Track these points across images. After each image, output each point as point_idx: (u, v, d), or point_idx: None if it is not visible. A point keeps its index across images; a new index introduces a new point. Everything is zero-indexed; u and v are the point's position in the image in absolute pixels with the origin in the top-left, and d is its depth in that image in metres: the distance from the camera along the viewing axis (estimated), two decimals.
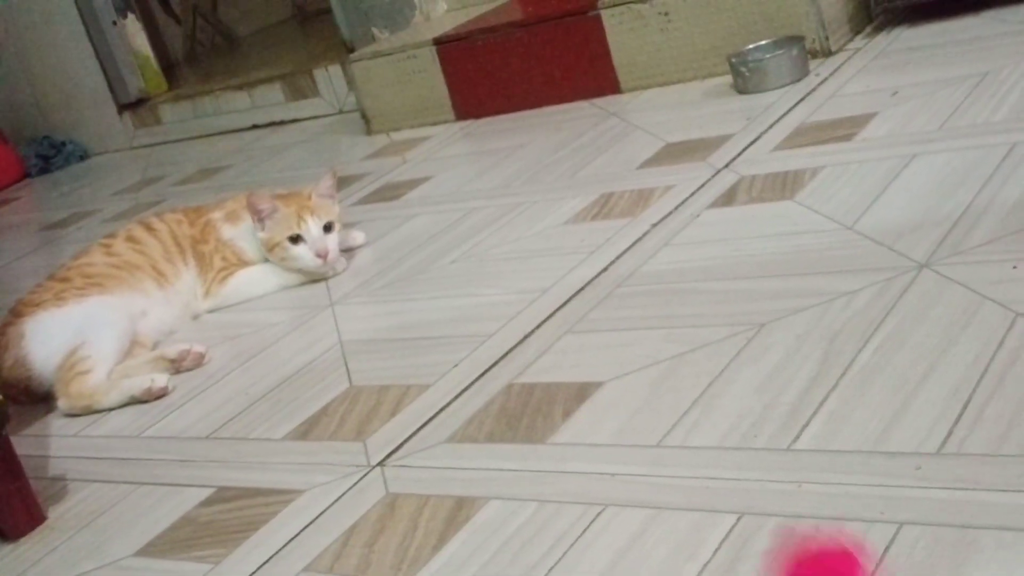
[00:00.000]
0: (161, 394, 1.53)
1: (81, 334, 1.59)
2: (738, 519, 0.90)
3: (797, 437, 0.99)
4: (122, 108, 3.54)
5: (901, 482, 0.89)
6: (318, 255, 1.75)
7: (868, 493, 0.89)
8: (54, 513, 1.29)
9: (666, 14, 2.25)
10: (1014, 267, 1.15)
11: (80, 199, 3.08)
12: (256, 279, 1.83)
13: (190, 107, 3.37)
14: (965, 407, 0.95)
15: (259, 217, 1.78)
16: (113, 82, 3.52)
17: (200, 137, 3.36)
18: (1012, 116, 1.55)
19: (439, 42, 2.55)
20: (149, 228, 1.87)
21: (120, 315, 1.67)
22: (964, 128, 1.57)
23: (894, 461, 0.91)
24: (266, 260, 1.82)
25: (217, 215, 1.88)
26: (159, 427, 1.45)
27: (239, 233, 1.84)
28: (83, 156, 3.63)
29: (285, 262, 1.78)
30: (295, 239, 1.76)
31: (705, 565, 0.86)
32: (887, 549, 0.82)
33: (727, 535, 0.89)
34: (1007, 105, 1.59)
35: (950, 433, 0.92)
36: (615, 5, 2.30)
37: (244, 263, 1.84)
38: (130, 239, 1.84)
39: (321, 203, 1.79)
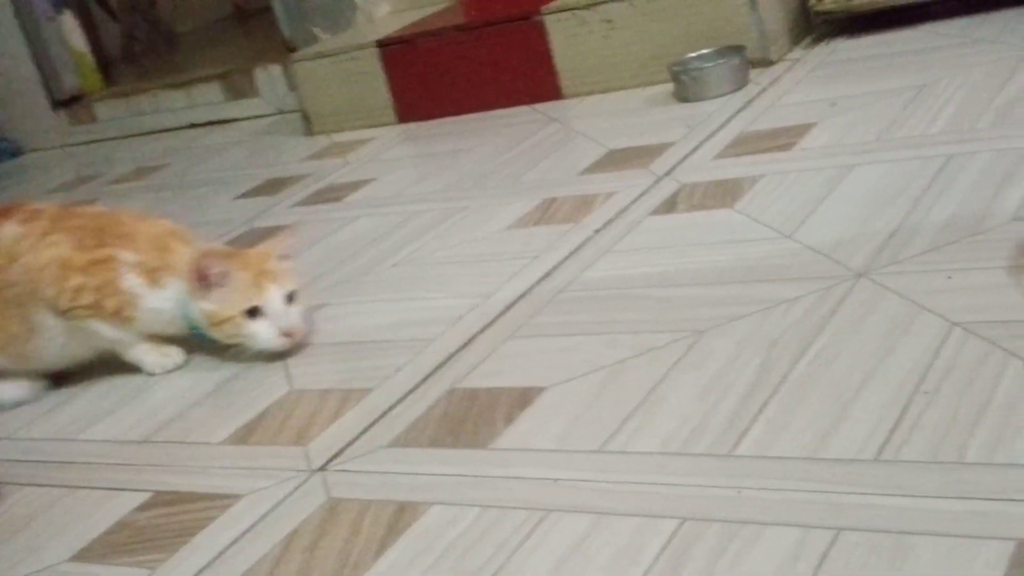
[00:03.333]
0: None
1: None
2: (680, 524, 0.91)
3: (737, 443, 1.00)
4: (57, 105, 3.48)
5: (839, 488, 0.90)
6: (285, 333, 1.44)
7: (807, 499, 0.90)
8: None
9: (609, 21, 2.26)
10: (949, 277, 1.17)
11: (12, 196, 3.02)
12: (124, 343, 1.53)
13: (126, 105, 3.33)
14: (902, 415, 0.96)
15: (206, 283, 1.45)
16: (48, 79, 3.46)
17: (136, 135, 3.32)
18: (948, 129, 1.58)
19: (382, 44, 2.54)
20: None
21: None
22: (901, 140, 1.59)
23: (832, 467, 0.93)
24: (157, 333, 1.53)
25: (127, 257, 1.50)
26: (95, 431, 1.42)
27: (160, 296, 1.49)
28: (15, 153, 3.57)
29: (235, 339, 1.45)
30: (253, 312, 1.45)
31: (648, 570, 0.87)
32: (825, 555, 0.83)
33: (669, 540, 0.90)
34: (943, 118, 1.62)
35: (887, 440, 0.94)
36: (558, 11, 2.31)
37: (129, 324, 1.51)
38: None
39: (282, 267, 1.48)
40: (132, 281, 1.49)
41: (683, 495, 0.95)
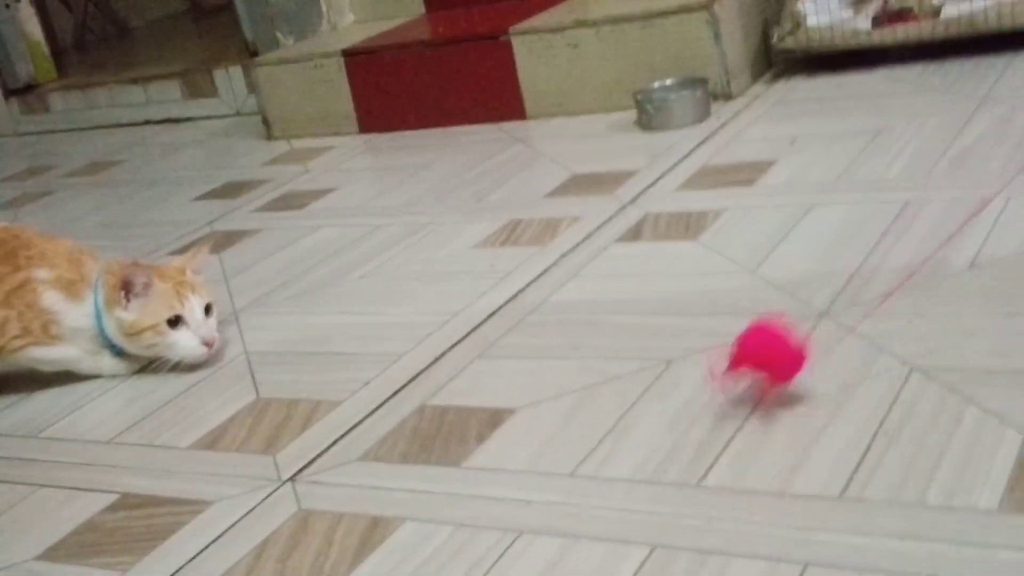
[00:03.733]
0: None
1: None
2: (650, 551, 0.94)
3: (706, 474, 1.03)
4: (9, 93, 3.44)
5: (806, 524, 0.94)
6: (204, 343, 1.48)
7: (774, 534, 0.93)
8: None
9: (575, 46, 2.30)
10: (909, 322, 1.22)
11: None
12: (71, 358, 1.53)
13: (81, 97, 3.30)
14: (865, 455, 1.00)
15: (129, 293, 1.47)
16: (1, 66, 3.42)
17: (90, 129, 3.29)
18: (905, 175, 1.63)
19: (348, 53, 2.55)
20: None
21: None
22: (860, 182, 1.65)
23: (798, 503, 0.96)
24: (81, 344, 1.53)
25: (42, 276, 1.50)
26: (57, 428, 1.42)
27: (80, 312, 1.50)
28: None
29: (155, 350, 1.48)
30: (174, 322, 1.47)
31: None
32: None
33: (640, 567, 0.93)
34: (900, 163, 1.68)
35: (851, 479, 0.98)
36: (525, 33, 2.35)
37: (56, 341, 1.52)
38: None
39: (198, 280, 1.52)
40: (52, 298, 1.50)
41: (653, 523, 0.98)
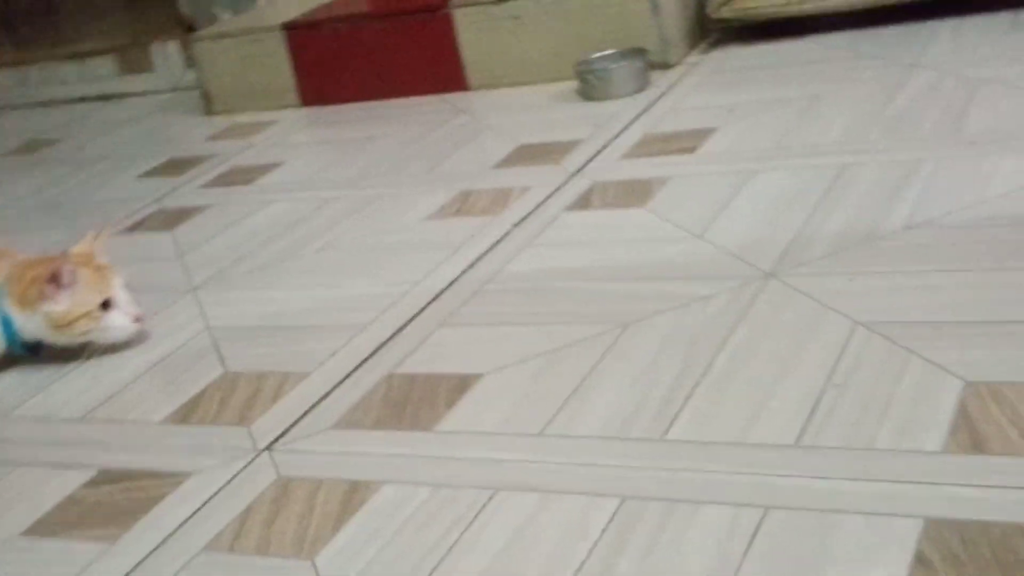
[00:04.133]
0: None
1: None
2: (621, 502, 1.00)
3: (668, 429, 1.09)
4: None
5: (765, 470, 1.00)
6: (136, 319, 1.52)
7: (736, 480, 1.00)
8: None
9: (517, 17, 2.34)
10: (851, 280, 1.29)
11: None
12: None
13: (13, 75, 3.27)
14: (816, 405, 1.07)
15: (58, 287, 1.48)
16: None
17: (23, 107, 3.26)
18: (841, 139, 1.70)
19: (288, 27, 2.57)
20: None
21: None
22: (798, 148, 1.71)
23: (757, 452, 1.03)
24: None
25: None
26: (28, 407, 1.44)
27: None
28: None
29: (88, 335, 1.50)
30: (106, 305, 1.50)
31: (595, 544, 0.95)
32: (756, 529, 0.92)
33: (612, 516, 0.98)
34: (836, 128, 1.75)
35: (805, 428, 1.04)
36: (466, 5, 2.38)
37: None
38: None
39: (107, 262, 1.55)
40: None
41: (622, 476, 1.04)
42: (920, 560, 0.85)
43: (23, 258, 1.57)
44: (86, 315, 1.49)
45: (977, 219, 1.36)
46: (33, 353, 1.55)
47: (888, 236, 1.37)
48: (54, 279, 1.48)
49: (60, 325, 1.49)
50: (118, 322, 1.51)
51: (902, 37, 2.11)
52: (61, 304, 1.48)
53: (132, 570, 1.06)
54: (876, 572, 0.85)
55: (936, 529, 0.88)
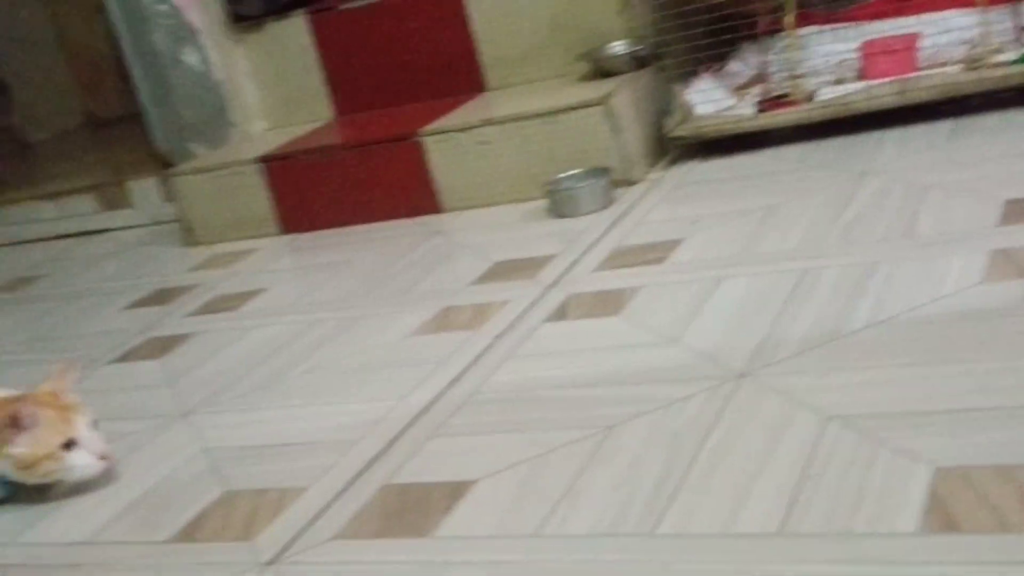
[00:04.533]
0: None
1: None
2: None
3: (658, 524, 1.15)
4: None
5: (752, 558, 1.06)
6: (102, 456, 1.53)
7: (724, 569, 1.05)
8: None
9: (485, 143, 2.45)
10: (821, 377, 1.36)
11: None
12: None
13: None
14: (795, 495, 1.13)
15: (19, 429, 1.50)
16: None
17: (3, 246, 3.32)
18: (800, 246, 1.80)
19: (264, 160, 2.66)
20: None
21: None
22: (760, 255, 1.81)
23: (743, 541, 1.09)
24: None
25: None
26: (30, 535, 1.48)
27: None
28: None
29: (52, 475, 1.52)
30: (68, 445, 1.51)
31: None
32: None
33: None
34: (794, 235, 1.84)
35: (786, 517, 1.10)
36: (436, 133, 2.49)
37: None
38: None
39: (74, 399, 1.57)
40: None
41: (616, 571, 1.10)
42: None
43: None
44: (48, 456, 1.50)
45: (934, 315, 1.45)
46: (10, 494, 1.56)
47: (851, 334, 1.45)
48: (14, 423, 1.50)
49: (24, 467, 1.51)
50: (82, 461, 1.52)
51: (850, 147, 2.22)
52: (22, 447, 1.50)
53: None
54: None
55: None
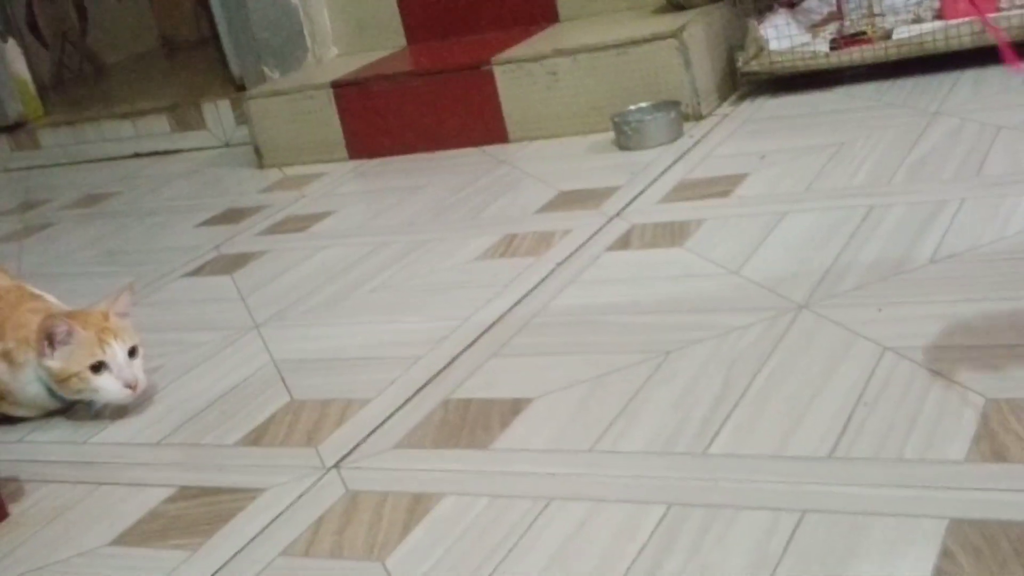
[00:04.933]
0: None
1: None
2: (667, 509, 1.08)
3: (710, 444, 1.17)
4: None
5: (801, 480, 1.08)
6: (127, 385, 1.54)
7: (774, 488, 1.08)
8: (16, 510, 1.38)
9: (554, 73, 2.46)
10: (879, 310, 1.37)
11: None
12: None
13: (71, 133, 3.41)
14: (848, 422, 1.15)
15: (52, 343, 1.55)
16: None
17: (80, 163, 3.40)
18: (868, 182, 1.79)
19: (336, 85, 2.69)
20: None
21: None
22: (827, 191, 1.81)
23: (793, 463, 1.11)
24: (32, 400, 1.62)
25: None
26: (103, 436, 1.54)
27: (17, 376, 1.60)
28: None
29: (82, 395, 1.56)
30: (97, 367, 1.54)
31: (644, 546, 1.04)
32: (794, 531, 1.00)
33: (659, 522, 1.06)
34: (863, 172, 1.84)
35: (837, 442, 1.12)
36: (506, 62, 2.50)
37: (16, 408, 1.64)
38: None
39: (121, 324, 1.59)
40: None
41: (668, 486, 1.12)
42: (945, 553, 0.93)
43: (59, 310, 1.63)
44: (76, 375, 1.54)
45: (997, 253, 1.44)
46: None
47: (913, 270, 1.45)
48: (47, 337, 1.55)
49: (57, 380, 1.56)
50: (109, 385, 1.54)
51: (924, 87, 2.20)
52: (56, 361, 1.55)
53: (215, 573, 1.15)
54: (906, 563, 0.92)
55: (960, 528, 0.96)
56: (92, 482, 1.41)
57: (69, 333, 1.54)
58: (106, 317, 1.58)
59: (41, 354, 1.56)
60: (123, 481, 1.40)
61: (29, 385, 1.59)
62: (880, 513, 1.00)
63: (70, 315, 1.58)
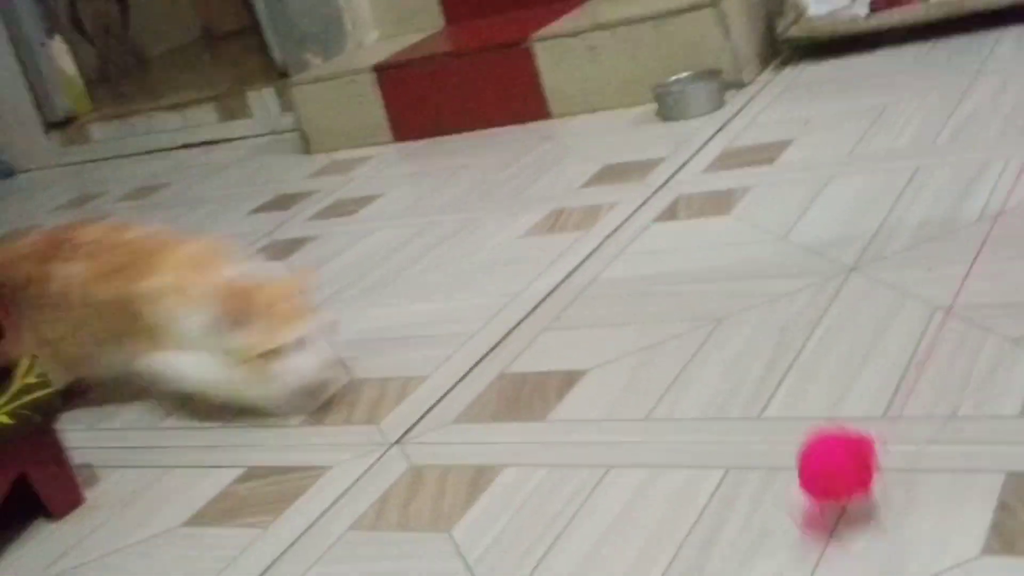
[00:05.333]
0: None
1: None
2: (725, 472, 1.10)
3: (765, 408, 1.19)
4: (49, 127, 3.62)
5: None
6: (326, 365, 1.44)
7: None
8: (91, 495, 1.42)
9: (593, 48, 2.47)
10: (929, 270, 1.38)
11: (19, 214, 3.15)
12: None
13: (120, 126, 3.47)
14: (901, 382, 1.17)
15: (248, 316, 1.41)
16: (40, 101, 3.60)
17: (129, 156, 3.46)
18: (912, 144, 1.80)
19: (378, 68, 2.72)
20: None
21: None
22: (872, 154, 1.81)
23: (848, 423, 1.12)
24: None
25: (157, 284, 1.48)
26: (170, 420, 1.59)
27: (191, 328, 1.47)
28: (9, 173, 3.69)
29: (270, 375, 1.42)
30: (295, 344, 1.41)
31: (704, 508, 1.06)
32: None
33: (718, 485, 1.09)
34: (907, 134, 1.84)
35: (891, 402, 1.14)
36: (546, 39, 2.51)
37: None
38: None
39: (307, 302, 1.46)
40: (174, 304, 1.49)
41: (725, 450, 1.15)
42: (1003, 507, 0.94)
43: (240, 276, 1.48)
44: (275, 351, 1.39)
45: None
46: None
47: (961, 229, 1.46)
48: (236, 311, 1.39)
49: (249, 357, 1.41)
50: (308, 363, 1.43)
51: (966, 47, 2.19)
52: (253, 336, 1.40)
53: (287, 549, 1.19)
54: (963, 516, 0.94)
55: (1017, 481, 0.97)
56: (162, 466, 1.46)
57: (269, 307, 1.42)
58: (293, 292, 1.45)
59: (230, 327, 1.43)
60: (192, 463, 1.44)
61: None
62: (936, 470, 1.02)
63: (261, 289, 1.44)
